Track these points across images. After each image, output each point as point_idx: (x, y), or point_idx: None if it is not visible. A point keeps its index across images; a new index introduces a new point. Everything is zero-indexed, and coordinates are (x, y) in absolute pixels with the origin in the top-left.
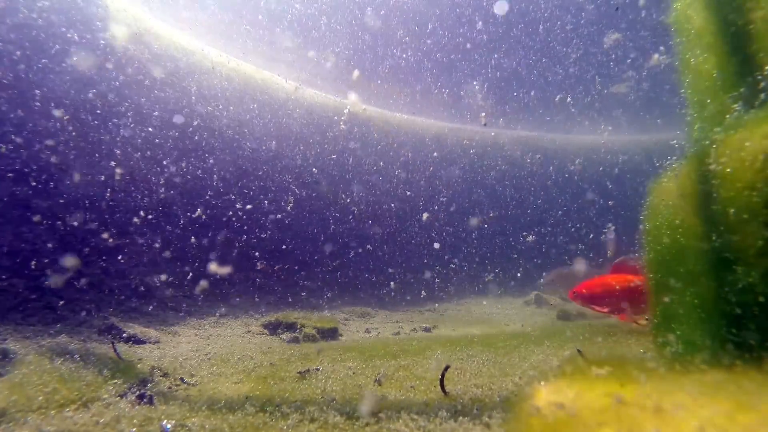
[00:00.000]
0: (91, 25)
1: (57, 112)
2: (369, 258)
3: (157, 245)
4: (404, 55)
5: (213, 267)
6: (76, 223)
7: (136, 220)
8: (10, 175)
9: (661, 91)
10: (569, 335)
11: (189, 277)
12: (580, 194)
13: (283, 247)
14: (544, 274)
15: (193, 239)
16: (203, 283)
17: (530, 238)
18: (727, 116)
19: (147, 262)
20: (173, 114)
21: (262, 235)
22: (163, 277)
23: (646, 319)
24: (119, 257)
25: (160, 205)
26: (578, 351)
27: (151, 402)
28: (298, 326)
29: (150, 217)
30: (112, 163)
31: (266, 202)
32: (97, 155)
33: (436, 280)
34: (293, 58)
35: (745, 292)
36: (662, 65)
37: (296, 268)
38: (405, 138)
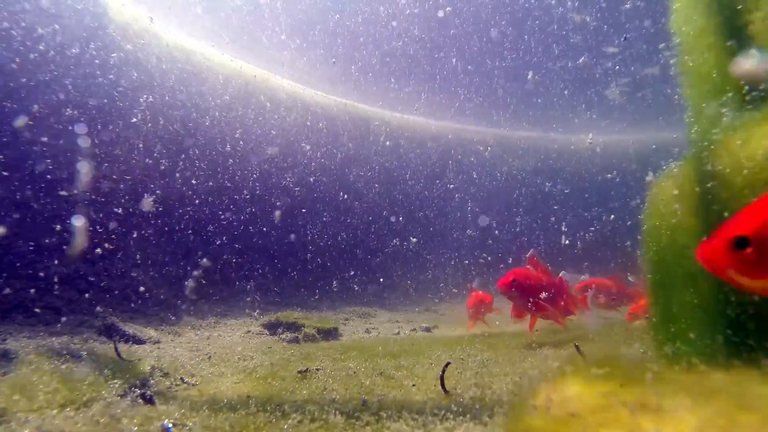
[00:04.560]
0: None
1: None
2: (370, 259)
3: (157, 245)
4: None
5: (213, 267)
6: (76, 223)
7: (136, 220)
8: (6, 174)
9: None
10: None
11: (189, 278)
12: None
13: (284, 246)
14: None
15: (194, 239)
16: (203, 284)
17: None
18: (726, 117)
19: (147, 263)
20: (174, 112)
21: (262, 235)
22: (164, 277)
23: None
24: (119, 257)
25: (161, 206)
26: (576, 347)
27: (151, 402)
28: (299, 326)
29: (150, 217)
30: (112, 163)
31: (268, 202)
32: (95, 156)
33: (438, 281)
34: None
35: (744, 292)
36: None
37: (298, 267)
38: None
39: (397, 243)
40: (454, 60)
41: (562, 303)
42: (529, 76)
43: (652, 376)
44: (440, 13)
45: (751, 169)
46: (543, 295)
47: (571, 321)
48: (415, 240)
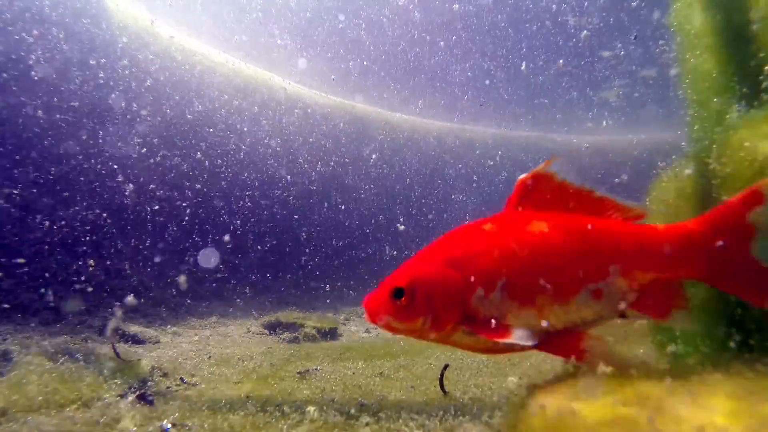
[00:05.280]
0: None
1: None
2: (370, 258)
3: (157, 245)
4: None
5: (213, 267)
6: (76, 223)
7: (136, 220)
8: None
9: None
10: None
11: (189, 278)
12: None
13: (284, 246)
14: None
15: (193, 239)
16: (203, 283)
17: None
18: (728, 116)
19: (147, 263)
20: (174, 113)
21: (261, 235)
22: (163, 277)
23: None
24: (119, 258)
25: (161, 205)
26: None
27: (151, 402)
28: (298, 326)
29: (150, 217)
30: (112, 163)
31: (269, 200)
32: (95, 157)
33: None
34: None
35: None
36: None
37: (298, 268)
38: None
39: (397, 242)
40: (441, 49)
41: None
42: (522, 67)
43: (653, 376)
44: (441, 17)
45: (753, 169)
46: None
47: None
48: (402, 227)
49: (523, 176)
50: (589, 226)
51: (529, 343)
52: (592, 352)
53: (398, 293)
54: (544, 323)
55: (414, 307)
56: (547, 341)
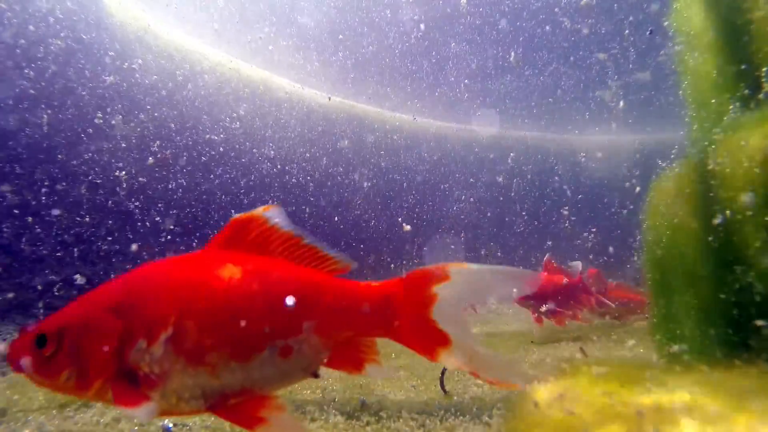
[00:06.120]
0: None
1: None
2: (368, 257)
3: (155, 245)
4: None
5: None
6: (75, 224)
7: (135, 220)
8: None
9: None
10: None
11: None
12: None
13: None
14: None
15: (192, 239)
16: None
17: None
18: (726, 116)
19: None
20: (172, 113)
21: None
22: None
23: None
24: (119, 257)
25: (159, 206)
26: (581, 350)
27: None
28: None
29: (149, 217)
30: (111, 164)
31: (267, 201)
32: (94, 156)
33: None
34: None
35: (744, 292)
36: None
37: None
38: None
39: (396, 241)
40: (441, 48)
41: (588, 298)
42: (512, 58)
43: (652, 376)
44: (442, 16)
45: (751, 169)
46: (547, 305)
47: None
48: (408, 227)
49: (237, 216)
50: (289, 278)
51: (146, 420)
52: (272, 422)
53: (41, 341)
54: (216, 382)
55: (57, 358)
56: (221, 403)
